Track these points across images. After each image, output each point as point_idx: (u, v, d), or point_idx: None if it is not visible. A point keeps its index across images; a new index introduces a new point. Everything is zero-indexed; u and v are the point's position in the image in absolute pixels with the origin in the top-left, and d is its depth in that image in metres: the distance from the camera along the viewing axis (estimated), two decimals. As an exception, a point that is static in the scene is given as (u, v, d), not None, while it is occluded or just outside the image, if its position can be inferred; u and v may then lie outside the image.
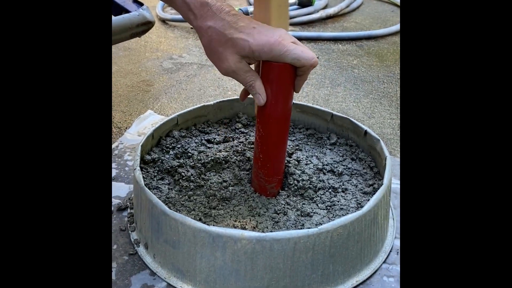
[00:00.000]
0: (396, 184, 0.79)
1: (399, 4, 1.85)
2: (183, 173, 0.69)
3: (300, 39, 1.47)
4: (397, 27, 1.57)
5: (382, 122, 1.02)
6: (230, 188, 0.68)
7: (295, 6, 1.68)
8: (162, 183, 0.69)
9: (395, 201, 0.75)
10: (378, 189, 0.62)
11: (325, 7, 1.75)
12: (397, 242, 0.67)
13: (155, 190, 0.67)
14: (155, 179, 0.70)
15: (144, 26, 0.93)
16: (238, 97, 0.83)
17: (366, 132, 0.74)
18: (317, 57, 0.58)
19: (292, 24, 1.62)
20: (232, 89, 1.17)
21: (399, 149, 0.92)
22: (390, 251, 0.65)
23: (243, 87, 0.62)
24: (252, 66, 0.58)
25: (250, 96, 0.65)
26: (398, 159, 0.87)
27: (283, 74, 0.57)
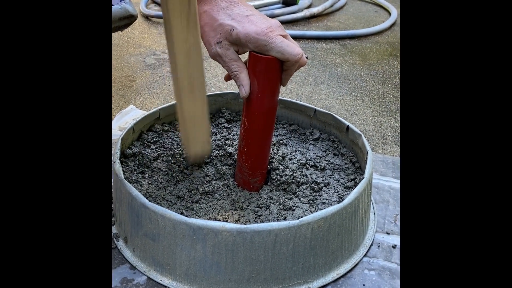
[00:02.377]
0: (377, 180, 0.80)
1: (382, 4, 1.87)
2: (164, 168, 0.68)
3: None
4: (380, 26, 1.59)
5: (364, 119, 1.03)
6: (213, 182, 0.67)
7: (280, 5, 1.69)
8: (143, 177, 0.68)
9: (377, 196, 0.76)
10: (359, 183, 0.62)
11: (309, 6, 1.76)
12: (378, 236, 0.67)
13: (135, 184, 0.66)
14: (135, 173, 0.69)
15: (127, 20, 0.92)
16: (222, 92, 0.83)
17: (348, 127, 0.75)
18: (307, 57, 0.57)
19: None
20: (215, 86, 1.16)
21: (381, 146, 0.93)
22: (371, 244, 0.66)
23: (227, 84, 0.61)
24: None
25: (234, 90, 0.64)
26: (380, 155, 0.88)
27: (269, 67, 0.56)
